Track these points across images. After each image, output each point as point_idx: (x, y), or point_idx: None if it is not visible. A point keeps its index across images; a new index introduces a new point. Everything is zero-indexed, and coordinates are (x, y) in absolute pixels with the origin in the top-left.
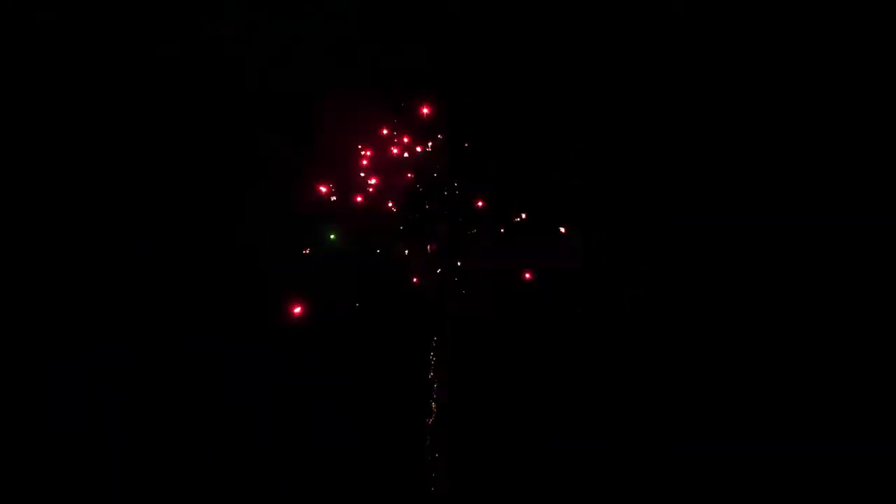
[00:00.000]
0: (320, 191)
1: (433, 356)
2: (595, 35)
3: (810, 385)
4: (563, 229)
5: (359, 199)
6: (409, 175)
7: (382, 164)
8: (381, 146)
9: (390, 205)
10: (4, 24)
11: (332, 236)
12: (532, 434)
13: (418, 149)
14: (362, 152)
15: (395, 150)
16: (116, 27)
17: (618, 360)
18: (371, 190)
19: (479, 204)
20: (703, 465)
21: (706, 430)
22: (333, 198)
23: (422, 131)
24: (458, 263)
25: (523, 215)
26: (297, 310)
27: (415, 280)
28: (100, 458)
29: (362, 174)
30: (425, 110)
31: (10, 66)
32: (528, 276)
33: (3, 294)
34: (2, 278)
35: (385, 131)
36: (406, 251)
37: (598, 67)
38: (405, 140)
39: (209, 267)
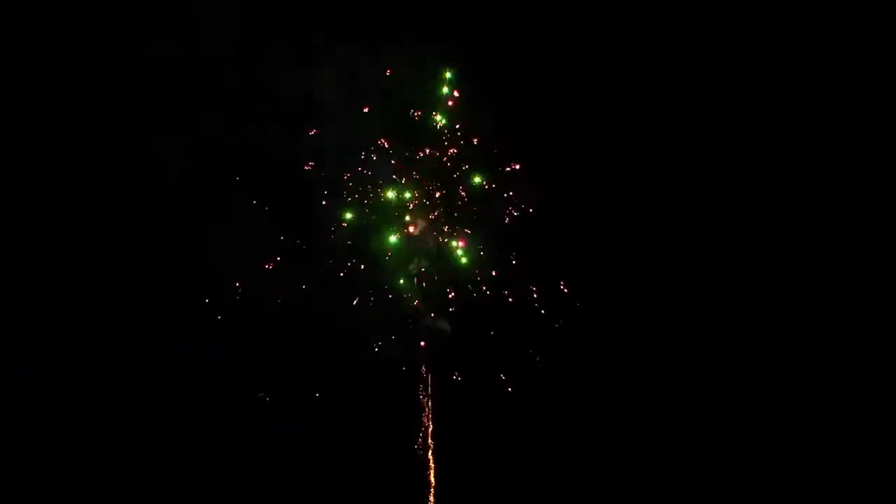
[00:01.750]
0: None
1: (429, 354)
2: (592, 34)
3: (810, 385)
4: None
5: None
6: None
7: (380, 169)
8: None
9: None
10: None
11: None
12: (529, 434)
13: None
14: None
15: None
16: (112, 26)
17: (617, 359)
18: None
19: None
20: (702, 464)
21: (706, 430)
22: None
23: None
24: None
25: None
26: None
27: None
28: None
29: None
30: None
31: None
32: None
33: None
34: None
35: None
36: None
37: (598, 67)
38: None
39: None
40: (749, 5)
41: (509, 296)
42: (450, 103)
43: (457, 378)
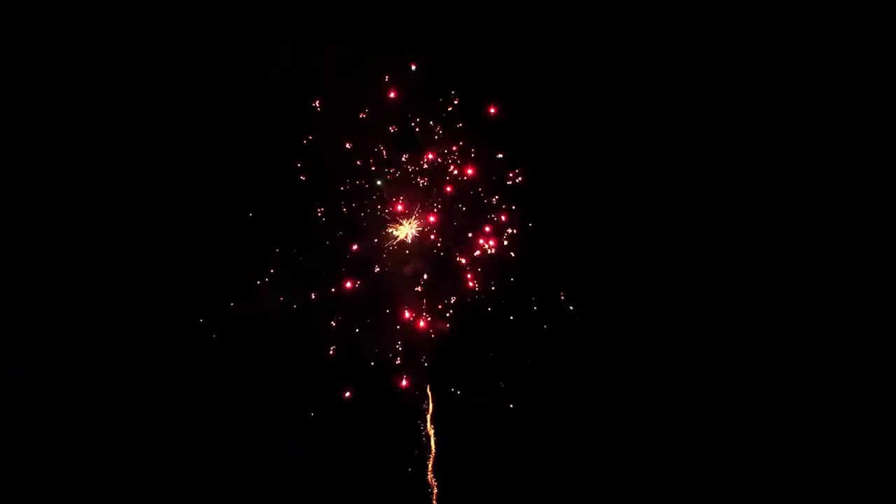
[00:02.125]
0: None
1: (426, 355)
2: (592, 35)
3: (810, 385)
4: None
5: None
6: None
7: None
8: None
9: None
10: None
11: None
12: (527, 434)
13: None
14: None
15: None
16: (108, 26)
17: (616, 359)
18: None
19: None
20: (699, 464)
21: (703, 429)
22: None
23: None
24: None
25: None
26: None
27: (413, 279)
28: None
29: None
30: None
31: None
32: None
33: (2, 294)
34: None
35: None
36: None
37: (599, 70)
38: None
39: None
40: (749, 5)
41: (509, 304)
42: (449, 109)
43: (456, 392)
